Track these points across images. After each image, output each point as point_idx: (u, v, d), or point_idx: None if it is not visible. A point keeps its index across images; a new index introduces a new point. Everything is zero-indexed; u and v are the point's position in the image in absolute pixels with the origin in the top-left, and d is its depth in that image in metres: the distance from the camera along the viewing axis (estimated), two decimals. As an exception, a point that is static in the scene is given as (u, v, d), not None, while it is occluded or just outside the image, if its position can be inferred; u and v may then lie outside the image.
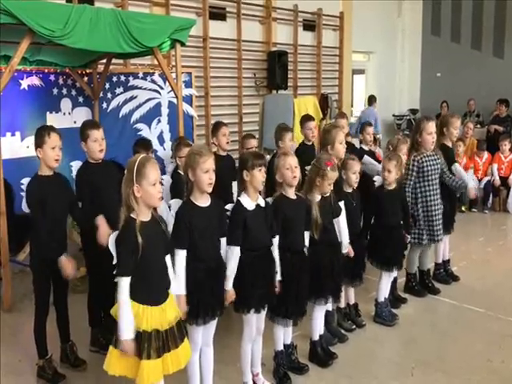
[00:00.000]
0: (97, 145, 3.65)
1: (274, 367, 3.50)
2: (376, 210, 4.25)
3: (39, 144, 3.37)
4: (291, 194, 3.31)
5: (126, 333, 2.52)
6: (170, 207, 3.31)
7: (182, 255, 2.83)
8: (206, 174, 2.85)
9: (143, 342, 2.54)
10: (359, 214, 4.10)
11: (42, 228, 3.33)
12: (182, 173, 3.96)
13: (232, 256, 3.01)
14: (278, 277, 3.21)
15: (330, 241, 3.53)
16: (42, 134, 3.39)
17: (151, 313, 2.58)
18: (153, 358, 2.55)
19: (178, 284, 2.80)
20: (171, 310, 2.67)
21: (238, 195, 3.18)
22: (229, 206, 3.13)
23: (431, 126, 4.57)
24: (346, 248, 3.78)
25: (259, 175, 3.07)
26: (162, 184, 2.82)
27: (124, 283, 2.55)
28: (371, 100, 11.13)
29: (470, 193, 4.96)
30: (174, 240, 2.82)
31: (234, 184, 4.37)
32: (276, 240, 3.21)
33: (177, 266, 2.82)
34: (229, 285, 3.01)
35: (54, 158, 3.38)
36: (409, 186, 4.60)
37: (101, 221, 3.46)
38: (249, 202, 3.09)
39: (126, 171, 2.62)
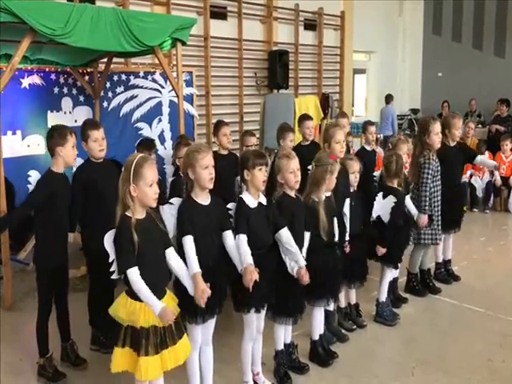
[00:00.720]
0: (97, 145, 3.68)
1: (275, 366, 3.50)
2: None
3: (61, 143, 3.42)
4: (292, 194, 3.32)
5: (158, 305, 2.54)
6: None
7: (189, 240, 2.80)
8: (206, 170, 2.85)
9: (140, 338, 2.56)
10: (360, 214, 4.07)
11: (47, 223, 3.37)
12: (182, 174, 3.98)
13: (242, 242, 2.97)
14: (302, 263, 3.20)
15: (328, 241, 3.51)
16: (65, 133, 3.45)
17: (149, 309, 2.58)
18: (151, 355, 2.56)
19: (190, 265, 2.77)
20: (168, 307, 2.66)
21: (241, 192, 3.18)
22: (231, 205, 3.12)
23: (438, 127, 4.61)
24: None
25: (260, 175, 3.06)
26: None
27: (134, 272, 2.55)
28: (388, 98, 11.28)
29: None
30: (180, 229, 2.83)
31: (238, 179, 4.38)
32: (284, 231, 3.17)
33: (187, 250, 2.79)
34: (248, 260, 2.91)
35: (73, 157, 3.50)
36: (425, 184, 4.55)
37: None
38: (251, 200, 3.09)
39: (123, 169, 2.63)
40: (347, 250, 3.83)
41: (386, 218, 4.21)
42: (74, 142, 3.48)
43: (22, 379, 3.56)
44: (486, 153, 8.43)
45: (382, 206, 4.23)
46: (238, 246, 2.99)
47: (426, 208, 4.55)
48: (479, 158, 5.14)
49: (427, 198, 4.56)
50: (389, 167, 4.27)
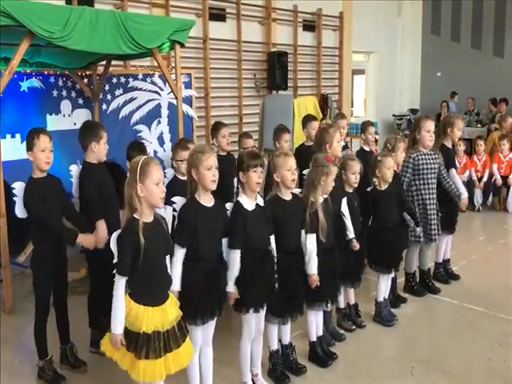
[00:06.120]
0: (105, 147, 3.73)
1: (270, 367, 3.49)
2: (372, 211, 4.23)
3: (30, 147, 3.37)
4: (286, 194, 3.29)
5: (118, 328, 2.57)
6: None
7: (181, 253, 2.85)
8: (210, 171, 2.86)
9: (141, 343, 2.55)
10: (358, 215, 4.07)
11: (50, 219, 3.34)
12: (181, 177, 3.99)
13: (233, 259, 3.00)
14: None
15: (327, 245, 3.49)
16: (32, 136, 3.37)
17: (152, 313, 2.60)
18: (151, 359, 2.56)
19: (173, 279, 2.82)
20: (172, 310, 2.68)
21: (237, 195, 3.19)
22: (228, 206, 3.12)
23: (430, 125, 4.63)
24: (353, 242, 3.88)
25: (254, 176, 3.05)
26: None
27: (120, 282, 2.58)
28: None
29: (463, 202, 4.96)
30: (178, 235, 2.84)
31: (236, 180, 4.39)
32: (272, 238, 3.21)
33: (174, 263, 2.83)
34: (231, 287, 3.00)
35: (44, 161, 3.36)
36: (403, 182, 4.63)
37: (101, 225, 3.51)
38: (248, 202, 3.08)
39: (129, 172, 2.63)
40: (357, 246, 3.89)
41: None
42: (44, 145, 3.34)
43: (22, 382, 3.56)
44: (484, 154, 8.42)
45: None
46: (230, 261, 3.01)
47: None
48: (453, 173, 5.05)
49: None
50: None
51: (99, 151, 3.70)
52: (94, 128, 3.76)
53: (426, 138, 4.62)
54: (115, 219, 3.52)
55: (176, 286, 2.84)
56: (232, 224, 3.04)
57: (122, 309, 2.58)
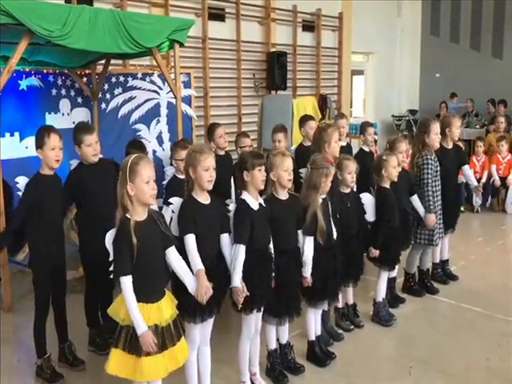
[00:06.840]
0: (91, 149, 3.65)
1: (268, 366, 3.49)
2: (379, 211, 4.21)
3: (39, 145, 3.39)
4: (282, 194, 3.30)
5: (141, 326, 2.52)
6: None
7: (192, 238, 2.83)
8: (207, 172, 2.88)
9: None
10: (355, 215, 4.05)
11: (38, 228, 3.37)
12: (180, 176, 3.99)
13: (239, 254, 2.98)
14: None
15: (328, 244, 3.50)
16: (42, 134, 3.40)
17: (148, 310, 2.59)
18: (152, 354, 2.55)
19: (193, 262, 2.80)
20: (167, 308, 2.68)
21: (238, 194, 3.19)
22: (231, 206, 3.13)
23: (437, 127, 4.68)
24: None
25: (259, 175, 3.08)
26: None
27: (126, 281, 2.55)
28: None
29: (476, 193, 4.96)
30: (182, 227, 2.85)
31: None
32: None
33: (189, 248, 2.81)
34: (236, 280, 2.96)
35: (54, 159, 3.39)
36: (427, 184, 4.59)
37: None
38: (252, 201, 3.10)
39: (120, 173, 2.63)
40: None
41: (371, 218, 4.18)
42: (54, 144, 3.38)
43: (20, 380, 3.57)
44: (483, 155, 8.46)
45: (369, 207, 4.21)
46: (235, 257, 2.99)
47: (431, 207, 4.57)
48: (466, 169, 5.16)
49: (431, 197, 4.58)
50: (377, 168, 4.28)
51: (82, 154, 3.68)
52: (76, 132, 3.70)
53: (435, 142, 4.66)
54: (106, 217, 3.41)
55: (199, 265, 2.80)
56: (238, 221, 3.03)
57: (137, 307, 2.54)
